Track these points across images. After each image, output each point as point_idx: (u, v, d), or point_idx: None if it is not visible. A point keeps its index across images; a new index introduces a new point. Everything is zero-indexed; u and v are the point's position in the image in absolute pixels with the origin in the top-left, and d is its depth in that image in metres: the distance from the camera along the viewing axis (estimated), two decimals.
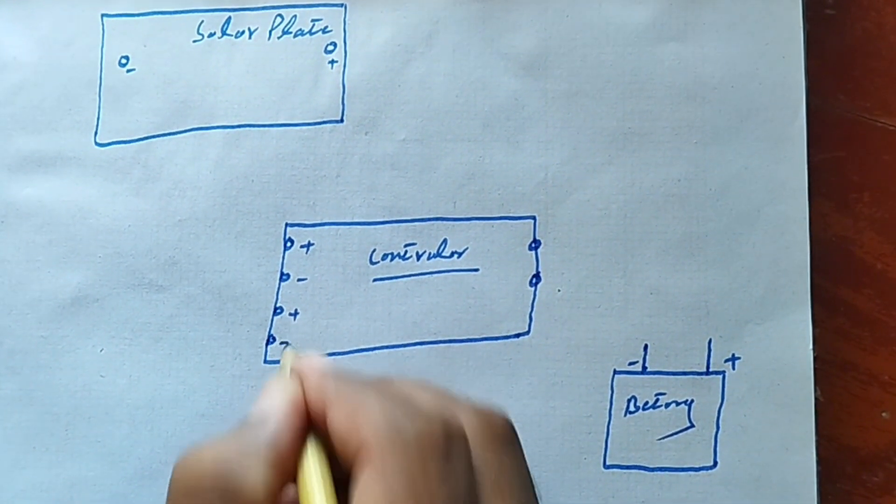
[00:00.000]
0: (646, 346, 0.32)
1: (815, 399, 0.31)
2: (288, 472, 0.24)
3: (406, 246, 0.33)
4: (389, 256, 0.32)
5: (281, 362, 0.28)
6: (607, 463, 0.31)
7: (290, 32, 0.33)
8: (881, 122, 0.34)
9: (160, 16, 0.34)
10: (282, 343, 0.31)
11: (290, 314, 0.32)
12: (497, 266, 0.32)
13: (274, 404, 0.25)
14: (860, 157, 0.34)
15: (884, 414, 0.33)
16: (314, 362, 0.27)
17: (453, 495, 0.23)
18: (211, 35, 0.34)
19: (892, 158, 0.34)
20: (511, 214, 0.32)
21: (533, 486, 0.26)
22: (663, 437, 0.31)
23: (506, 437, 0.25)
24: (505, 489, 0.24)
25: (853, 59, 0.35)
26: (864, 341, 0.33)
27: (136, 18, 0.34)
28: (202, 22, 0.34)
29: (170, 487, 0.24)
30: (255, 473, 0.23)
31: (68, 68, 0.34)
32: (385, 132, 0.33)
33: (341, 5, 0.33)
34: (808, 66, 0.33)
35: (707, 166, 0.32)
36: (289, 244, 0.33)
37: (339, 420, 0.24)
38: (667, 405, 0.31)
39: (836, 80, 0.34)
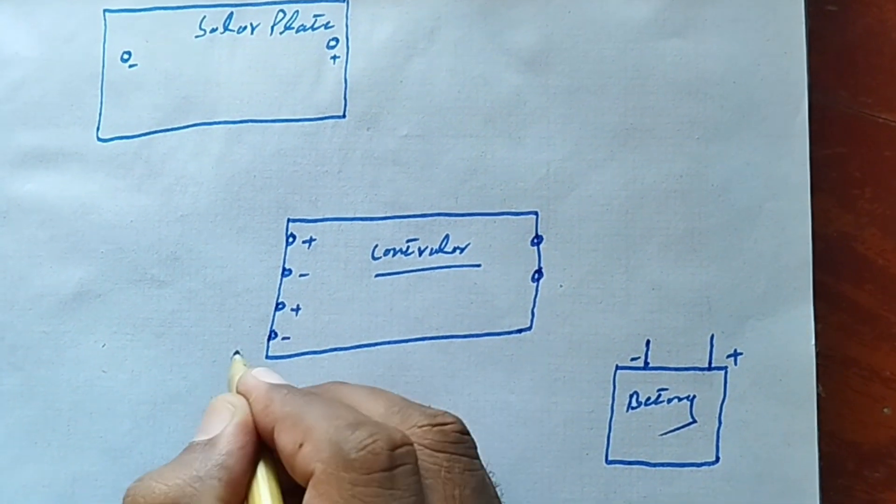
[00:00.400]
0: (648, 342, 0.32)
1: (817, 395, 0.31)
2: (240, 494, 0.24)
3: (408, 241, 0.33)
4: (391, 252, 0.32)
5: (229, 373, 0.29)
6: (609, 458, 0.31)
7: (293, 28, 0.33)
8: (883, 118, 0.34)
9: (162, 11, 0.34)
10: (234, 353, 0.30)
11: (292, 309, 0.32)
12: (499, 261, 0.32)
13: (221, 426, 0.25)
14: (862, 153, 0.34)
15: (885, 410, 0.33)
16: (260, 377, 0.27)
17: None
18: (213, 30, 0.34)
19: (893, 154, 0.34)
20: (513, 210, 0.32)
21: (492, 487, 0.26)
22: (665, 433, 0.31)
23: (457, 440, 0.25)
24: (457, 493, 0.24)
25: (855, 55, 0.35)
26: (865, 337, 0.33)
27: (138, 14, 0.34)
28: (204, 17, 0.34)
29: None
30: (207, 501, 0.24)
31: (70, 64, 0.34)
32: (387, 128, 0.33)
33: (343, 1, 0.33)
34: (810, 62, 0.33)
35: (709, 162, 0.32)
36: (291, 239, 0.33)
37: (284, 442, 0.24)
38: (669, 401, 0.31)
39: (837, 77, 0.35)
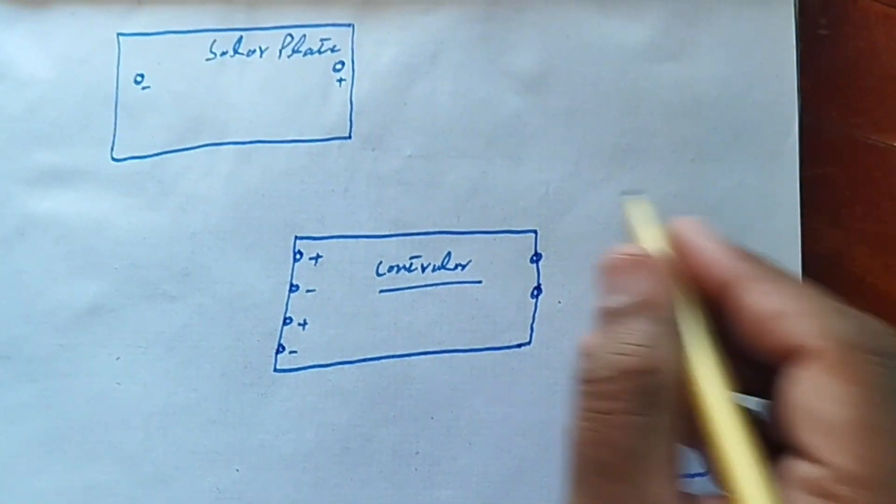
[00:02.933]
0: None
1: None
2: (685, 363, 0.23)
3: (411, 258, 0.34)
4: (395, 268, 0.33)
5: (628, 217, 0.26)
6: None
7: (300, 51, 0.34)
8: (872, 140, 0.35)
9: (174, 35, 0.35)
10: (623, 193, 0.27)
11: (299, 324, 0.33)
12: (499, 278, 0.33)
13: (656, 285, 0.23)
14: (852, 172, 0.35)
15: None
16: (695, 226, 0.24)
17: None
18: (223, 54, 0.35)
19: (882, 174, 0.35)
20: (513, 228, 0.33)
21: None
22: None
23: None
24: None
25: (845, 78, 0.35)
26: None
27: (151, 37, 0.35)
28: (215, 41, 0.35)
29: (589, 393, 0.22)
30: (671, 364, 0.22)
31: (85, 85, 0.35)
32: (391, 148, 0.34)
33: (349, 25, 0.35)
34: (802, 84, 0.34)
35: (702, 182, 0.33)
36: (298, 256, 0.34)
37: (763, 306, 0.22)
38: None
39: (828, 99, 0.35)
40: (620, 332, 0.23)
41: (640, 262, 0.24)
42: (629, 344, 0.22)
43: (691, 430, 0.23)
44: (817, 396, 0.21)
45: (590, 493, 0.22)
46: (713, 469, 0.22)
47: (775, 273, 0.24)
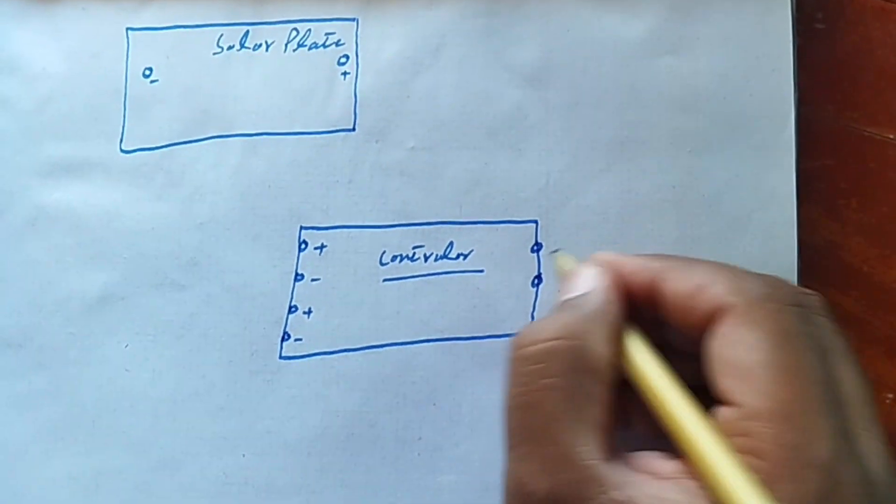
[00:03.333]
0: None
1: None
2: (619, 340, 0.25)
3: (414, 248, 0.34)
4: (398, 258, 0.34)
5: (558, 266, 0.29)
6: None
7: (305, 45, 0.35)
8: (868, 132, 0.36)
9: (182, 29, 0.35)
10: (554, 251, 0.31)
11: (304, 312, 0.34)
12: (501, 267, 0.34)
13: (592, 284, 0.26)
14: (848, 164, 0.35)
15: None
16: (610, 254, 0.28)
17: (818, 346, 0.23)
18: (230, 48, 0.35)
19: (878, 166, 0.35)
20: (514, 218, 0.34)
21: None
22: None
23: (826, 306, 0.25)
24: (839, 350, 0.24)
25: (842, 71, 0.36)
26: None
27: (159, 32, 0.35)
28: (222, 35, 0.35)
29: (517, 359, 0.25)
30: (599, 339, 0.24)
31: (95, 79, 0.35)
32: (395, 140, 0.34)
33: (353, 20, 0.35)
34: (799, 78, 0.34)
35: (700, 174, 0.34)
36: (303, 246, 0.34)
37: (676, 288, 0.25)
38: None
39: (825, 92, 0.36)
40: (552, 314, 0.26)
41: (578, 272, 0.27)
42: (555, 321, 0.25)
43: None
44: (730, 344, 0.23)
45: (520, 453, 0.24)
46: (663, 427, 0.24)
47: (688, 260, 0.26)
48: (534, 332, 0.25)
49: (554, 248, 0.32)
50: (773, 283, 0.24)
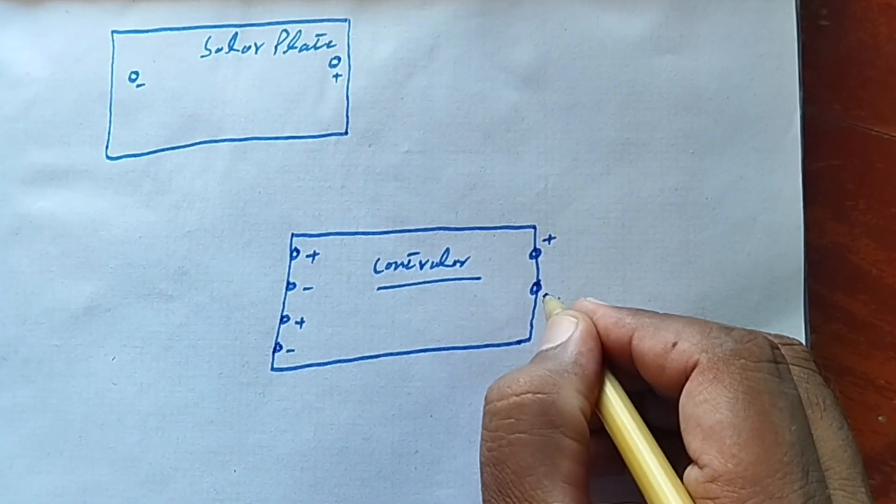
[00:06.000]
0: None
1: None
2: (594, 391, 0.26)
3: (409, 255, 0.33)
4: (393, 265, 0.33)
5: (546, 308, 0.31)
6: None
7: (296, 47, 0.34)
8: (875, 131, 0.35)
9: (169, 32, 0.35)
10: (544, 295, 0.32)
11: (297, 322, 0.33)
12: (498, 274, 0.33)
13: (567, 334, 0.27)
14: (855, 165, 0.35)
15: (880, 418, 0.34)
16: (593, 302, 0.28)
17: (791, 405, 0.23)
18: (218, 50, 0.34)
19: (886, 166, 0.35)
20: (512, 224, 0.33)
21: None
22: None
23: (808, 358, 0.25)
24: (821, 402, 0.24)
25: (847, 69, 0.35)
26: (860, 346, 0.34)
27: (145, 35, 0.35)
28: (209, 38, 0.34)
29: (487, 413, 0.25)
30: (570, 392, 0.25)
31: (80, 83, 0.34)
32: (388, 144, 0.34)
33: (345, 20, 0.34)
34: (804, 76, 0.33)
35: (703, 176, 0.33)
36: (295, 254, 0.33)
37: (650, 345, 0.25)
38: None
39: (831, 90, 0.35)
40: (527, 365, 0.26)
41: (558, 322, 0.28)
42: (527, 374, 0.25)
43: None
44: (696, 404, 0.23)
45: None
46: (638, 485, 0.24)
47: (661, 316, 0.26)
48: (504, 386, 0.25)
49: (545, 293, 0.32)
50: (745, 338, 0.24)
